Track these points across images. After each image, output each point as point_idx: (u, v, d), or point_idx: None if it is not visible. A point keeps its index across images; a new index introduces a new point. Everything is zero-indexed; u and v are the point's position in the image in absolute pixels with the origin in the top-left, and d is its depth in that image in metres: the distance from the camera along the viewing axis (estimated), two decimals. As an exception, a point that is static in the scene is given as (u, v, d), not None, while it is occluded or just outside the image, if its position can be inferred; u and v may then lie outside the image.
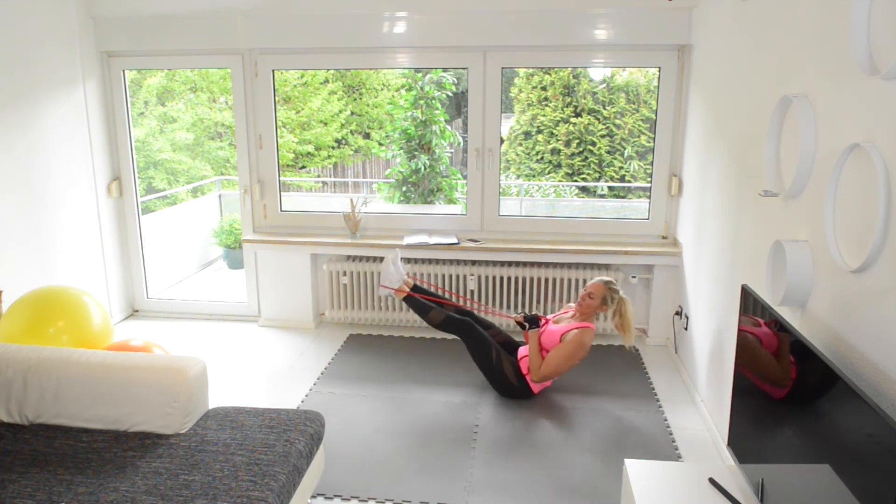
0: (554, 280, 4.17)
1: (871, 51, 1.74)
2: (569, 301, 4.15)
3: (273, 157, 4.37)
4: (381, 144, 10.26)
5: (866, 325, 1.72)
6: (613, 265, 4.14)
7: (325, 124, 10.05)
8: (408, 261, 4.17)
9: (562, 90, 9.57)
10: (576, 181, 9.55)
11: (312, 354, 4.00)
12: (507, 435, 3.06)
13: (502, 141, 7.20)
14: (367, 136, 10.59)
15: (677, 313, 3.90)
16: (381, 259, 4.26)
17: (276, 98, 4.38)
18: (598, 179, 9.51)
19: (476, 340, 3.39)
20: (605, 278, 3.38)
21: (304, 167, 10.27)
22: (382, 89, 10.55)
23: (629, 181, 9.43)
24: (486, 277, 4.23)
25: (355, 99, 10.48)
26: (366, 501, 2.57)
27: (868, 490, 1.39)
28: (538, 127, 9.63)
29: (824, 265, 1.97)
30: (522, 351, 3.45)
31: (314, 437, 2.31)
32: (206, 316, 4.68)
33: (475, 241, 4.19)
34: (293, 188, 10.16)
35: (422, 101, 8.24)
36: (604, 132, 9.43)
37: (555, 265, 4.16)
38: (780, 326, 1.89)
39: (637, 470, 2.13)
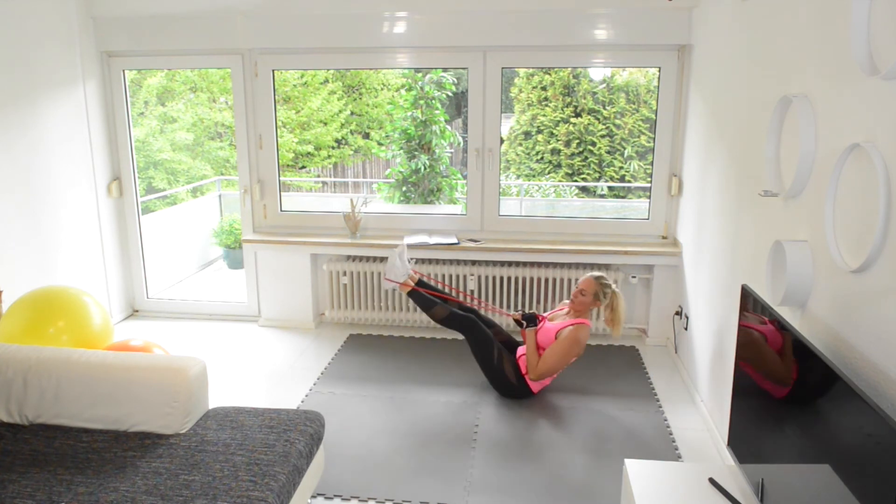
0: (554, 280, 4.17)
1: (871, 51, 1.74)
2: (565, 299, 4.14)
3: (273, 157, 4.37)
4: (380, 144, 10.26)
5: (866, 325, 1.72)
6: (613, 265, 4.14)
7: (325, 124, 10.05)
8: (408, 261, 4.16)
9: (562, 90, 9.57)
10: (576, 181, 9.55)
11: (312, 354, 4.00)
12: (507, 435, 3.06)
13: (502, 141, 7.20)
14: (366, 135, 10.59)
15: (677, 313, 3.90)
16: (381, 259, 4.27)
17: (276, 98, 4.38)
18: (598, 179, 9.51)
19: (479, 338, 3.39)
20: (596, 273, 3.37)
21: (304, 167, 10.27)
22: (382, 89, 10.56)
23: (629, 181, 9.43)
24: (486, 277, 4.23)
25: (355, 99, 10.48)
26: (366, 501, 2.57)
27: (868, 490, 1.39)
28: (538, 127, 9.63)
29: (824, 265, 1.97)
30: (521, 350, 3.45)
31: (314, 437, 2.31)
32: (206, 316, 4.68)
33: (475, 241, 4.19)
34: (293, 188, 10.16)
35: (422, 101, 8.24)
36: (604, 132, 9.43)
37: (555, 265, 4.17)
38: (780, 326, 1.89)
39: (637, 470, 2.13)
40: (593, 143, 9.44)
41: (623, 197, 9.45)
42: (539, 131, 9.64)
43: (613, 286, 3.36)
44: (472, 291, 4.25)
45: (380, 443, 2.98)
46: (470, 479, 2.70)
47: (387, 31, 4.03)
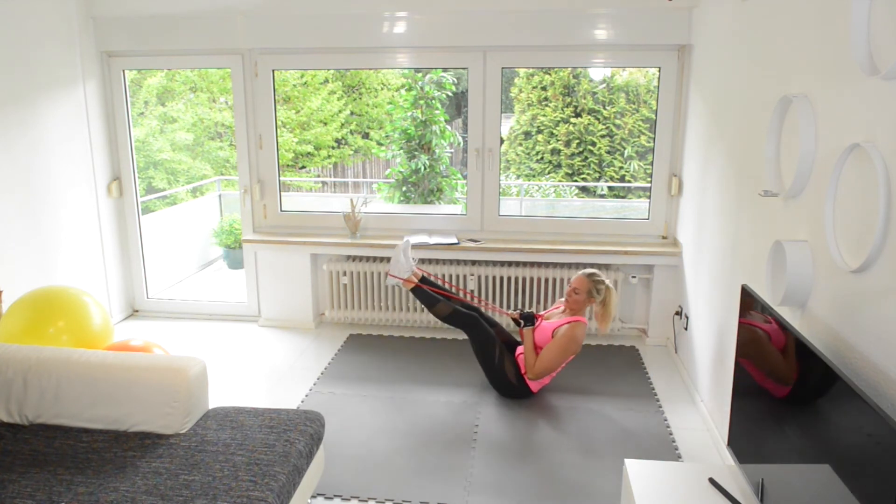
0: (554, 280, 4.17)
1: (871, 51, 1.74)
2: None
3: (273, 157, 4.37)
4: (380, 144, 10.26)
5: (866, 325, 1.72)
6: (613, 265, 4.14)
7: (325, 124, 10.06)
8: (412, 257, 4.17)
9: (562, 90, 9.57)
10: (576, 181, 9.55)
11: (312, 354, 4.00)
12: (507, 435, 3.06)
13: (502, 141, 7.20)
14: (366, 135, 10.59)
15: (677, 313, 3.90)
16: (381, 259, 4.27)
17: (276, 98, 4.38)
18: (598, 179, 9.51)
19: (481, 336, 3.39)
20: (588, 270, 3.37)
21: (303, 167, 10.27)
22: (382, 89, 10.56)
23: (629, 181, 9.43)
24: (486, 277, 4.24)
25: (355, 99, 10.48)
26: (366, 501, 2.57)
27: (868, 490, 1.39)
28: (538, 127, 9.63)
29: (824, 265, 1.97)
30: (520, 349, 3.45)
31: (314, 437, 2.31)
32: (206, 316, 4.68)
33: (475, 241, 4.19)
34: (293, 188, 10.16)
35: (422, 101, 8.24)
36: (604, 132, 9.43)
37: (555, 265, 4.17)
38: (780, 326, 1.89)
39: (637, 470, 2.13)
40: (593, 143, 9.44)
41: (623, 197, 9.45)
42: (539, 131, 9.64)
43: (607, 282, 3.35)
44: (472, 291, 4.25)
45: (380, 443, 2.98)
46: (470, 479, 2.70)
47: (387, 31, 4.03)
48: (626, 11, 3.79)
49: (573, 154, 9.51)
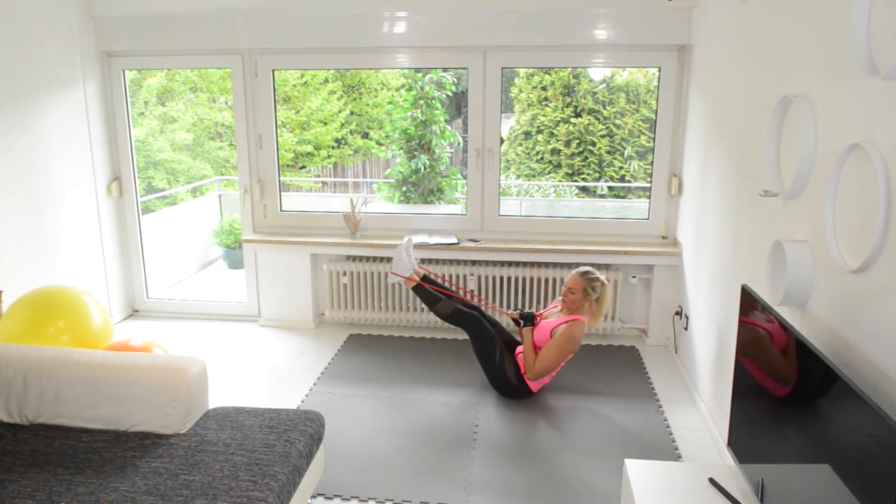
0: (554, 280, 4.17)
1: (871, 51, 1.74)
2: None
3: (273, 157, 4.38)
4: (380, 144, 10.26)
5: (866, 325, 1.72)
6: (613, 265, 4.14)
7: (325, 124, 10.06)
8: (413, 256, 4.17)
9: (562, 90, 9.57)
10: (576, 181, 9.55)
11: (312, 354, 4.00)
12: (507, 435, 3.06)
13: (502, 141, 7.20)
14: (365, 135, 10.59)
15: (677, 313, 3.90)
16: (381, 259, 4.27)
17: (276, 98, 4.38)
18: (598, 179, 9.51)
19: (482, 336, 3.39)
20: (582, 269, 3.37)
21: (303, 167, 10.27)
22: (382, 89, 10.56)
23: (629, 181, 9.43)
24: (486, 277, 4.24)
25: (355, 99, 10.48)
26: (366, 501, 2.57)
27: (868, 490, 1.39)
28: (538, 127, 9.64)
29: (824, 265, 1.97)
30: (520, 348, 3.45)
31: (314, 437, 2.31)
32: (206, 316, 4.68)
33: (475, 241, 4.19)
34: (293, 188, 10.16)
35: (422, 101, 8.24)
36: (604, 132, 9.43)
37: (555, 265, 4.17)
38: (780, 326, 1.89)
39: (637, 470, 2.13)
40: (593, 143, 9.44)
41: (623, 197, 9.45)
42: (539, 131, 9.64)
43: (602, 278, 3.34)
44: (472, 291, 4.25)
45: (380, 443, 2.98)
46: (470, 479, 2.70)
47: (387, 31, 4.03)
48: (626, 11, 3.79)
49: (573, 154, 9.51)
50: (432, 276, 3.73)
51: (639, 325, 4.28)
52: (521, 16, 3.87)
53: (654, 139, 4.08)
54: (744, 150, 2.80)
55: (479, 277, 4.23)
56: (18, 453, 2.17)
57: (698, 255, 3.53)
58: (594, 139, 9.43)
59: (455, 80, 8.53)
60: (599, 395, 3.44)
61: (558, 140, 9.53)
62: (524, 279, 4.22)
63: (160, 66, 4.56)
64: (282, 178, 4.52)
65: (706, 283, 3.33)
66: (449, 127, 8.50)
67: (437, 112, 8.25)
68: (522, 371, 3.36)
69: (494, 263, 4.22)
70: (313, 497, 2.58)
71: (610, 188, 9.52)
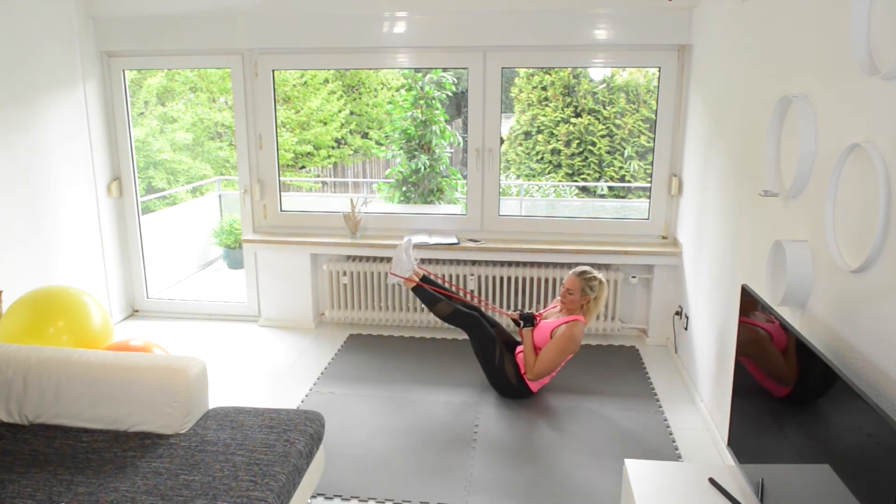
0: (554, 280, 4.17)
1: (871, 51, 1.74)
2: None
3: (273, 157, 4.38)
4: (379, 144, 10.26)
5: (866, 325, 1.72)
6: (613, 265, 4.14)
7: (325, 124, 10.06)
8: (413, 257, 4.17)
9: (562, 90, 9.57)
10: (576, 181, 9.55)
11: (312, 354, 4.00)
12: (507, 435, 3.06)
13: (502, 141, 7.20)
14: (365, 135, 10.59)
15: (677, 313, 3.90)
16: (381, 259, 4.27)
17: (276, 98, 4.38)
18: (598, 179, 9.51)
19: (481, 336, 3.39)
20: (579, 269, 3.36)
21: (303, 167, 10.27)
22: (381, 89, 10.56)
23: (629, 181, 9.43)
24: (486, 277, 4.24)
25: (354, 99, 10.48)
26: (366, 501, 2.57)
27: (868, 490, 1.39)
28: (538, 127, 9.64)
29: (824, 265, 1.97)
30: (520, 348, 3.45)
31: (314, 437, 2.31)
32: (206, 316, 4.68)
33: (475, 241, 4.19)
34: (293, 188, 10.16)
35: (422, 101, 8.24)
36: (604, 132, 9.44)
37: (555, 265, 4.16)
38: (780, 326, 1.89)
39: (637, 470, 2.13)
40: (593, 143, 9.44)
41: (623, 197, 9.45)
42: (539, 131, 9.64)
43: (599, 276, 3.34)
44: (472, 291, 4.25)
45: (380, 443, 2.98)
46: (470, 479, 2.70)
47: (387, 31, 4.03)
48: (626, 11, 3.79)
49: (573, 154, 9.51)
50: (432, 277, 3.73)
51: (639, 325, 4.28)
52: (521, 16, 3.87)
53: (654, 139, 4.08)
54: (744, 150, 2.80)
55: (479, 277, 4.23)
56: (18, 453, 2.17)
57: (698, 255, 3.53)
58: (594, 139, 9.43)
59: (455, 80, 8.53)
60: (599, 395, 3.44)
61: (558, 140, 9.53)
62: (524, 279, 4.22)
63: (160, 66, 4.56)
64: (282, 178, 4.52)
65: (706, 283, 3.33)
66: (449, 127, 8.50)
67: (437, 112, 8.25)
68: (522, 371, 3.36)
69: (494, 263, 4.22)
70: (313, 497, 2.58)
71: (610, 188, 9.53)
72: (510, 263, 4.21)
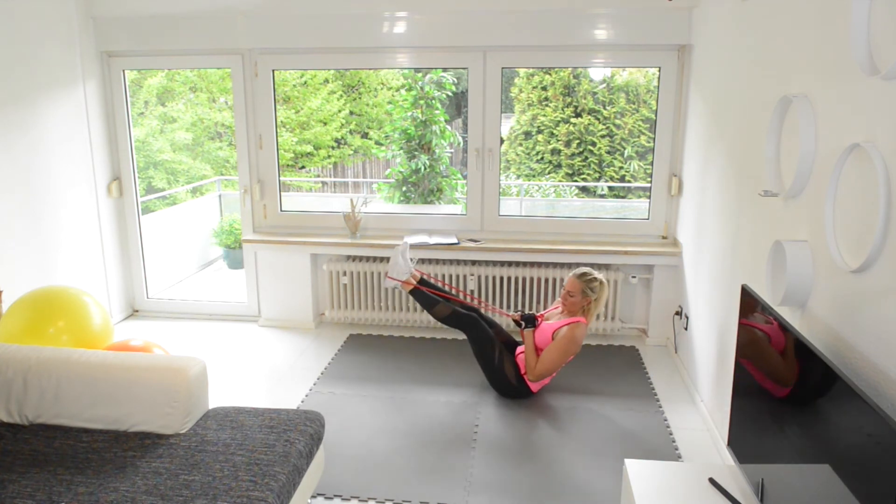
0: (554, 280, 4.17)
1: (871, 51, 1.74)
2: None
3: (273, 157, 4.37)
4: (379, 144, 10.26)
5: (866, 325, 1.72)
6: (613, 265, 4.14)
7: (325, 124, 10.06)
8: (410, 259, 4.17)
9: (562, 90, 9.57)
10: (576, 181, 9.55)
11: (312, 354, 4.00)
12: (507, 435, 3.06)
13: (502, 141, 7.20)
14: (365, 135, 10.59)
15: (677, 313, 3.90)
16: (381, 259, 4.27)
17: (276, 98, 4.38)
18: (598, 179, 9.51)
19: (480, 337, 3.39)
20: (580, 271, 3.35)
21: (303, 167, 10.27)
22: (381, 89, 10.56)
23: (629, 181, 9.43)
24: (486, 277, 4.23)
25: (354, 99, 10.49)
26: (366, 501, 2.57)
27: (868, 490, 1.39)
28: (538, 127, 9.64)
29: (824, 265, 1.97)
30: (520, 348, 3.45)
31: (314, 437, 2.31)
32: (206, 316, 4.68)
33: (475, 241, 4.19)
34: (293, 188, 10.16)
35: (422, 101, 8.24)
36: (604, 132, 9.44)
37: (555, 265, 4.16)
38: (780, 326, 1.89)
39: (637, 470, 2.13)
40: (593, 143, 9.44)
41: (623, 197, 9.45)
42: (539, 131, 9.64)
43: (599, 277, 3.34)
44: (472, 291, 4.25)
45: (380, 443, 2.98)
46: (470, 479, 2.70)
47: (387, 31, 4.03)
48: (626, 11, 3.79)
49: (573, 154, 9.51)
50: (429, 279, 3.73)
51: (639, 325, 4.28)
52: (521, 16, 3.87)
53: (654, 139, 4.08)
54: (744, 150, 2.80)
55: (479, 277, 4.23)
56: (18, 453, 2.17)
57: (698, 255, 3.53)
58: (594, 139, 9.43)
59: (455, 80, 8.53)
60: (599, 395, 3.44)
61: (558, 140, 9.53)
62: (524, 279, 4.22)
63: (160, 66, 4.56)
64: (282, 178, 4.52)
65: (706, 283, 3.33)
66: (449, 127, 8.50)
67: (437, 112, 8.25)
68: (522, 371, 3.36)
69: (494, 263, 4.22)
70: (313, 497, 2.58)
71: (610, 188, 9.53)
72: (510, 263, 4.21)
